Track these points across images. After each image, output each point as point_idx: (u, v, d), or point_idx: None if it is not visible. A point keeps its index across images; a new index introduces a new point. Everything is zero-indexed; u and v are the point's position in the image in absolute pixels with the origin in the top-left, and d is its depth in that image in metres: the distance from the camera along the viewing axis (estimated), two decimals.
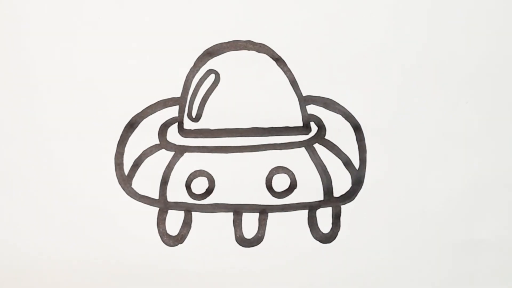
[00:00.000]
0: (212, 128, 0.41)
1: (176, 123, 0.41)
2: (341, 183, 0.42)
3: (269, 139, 0.41)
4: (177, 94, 0.41)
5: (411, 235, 0.42)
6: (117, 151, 0.41)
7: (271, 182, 0.41)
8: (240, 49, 0.41)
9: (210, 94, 0.41)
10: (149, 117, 0.41)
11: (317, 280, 0.41)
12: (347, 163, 0.42)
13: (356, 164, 0.42)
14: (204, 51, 0.41)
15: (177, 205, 0.41)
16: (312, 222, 0.41)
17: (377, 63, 0.41)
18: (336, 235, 0.41)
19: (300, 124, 0.41)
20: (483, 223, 0.42)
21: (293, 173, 0.41)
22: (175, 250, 0.41)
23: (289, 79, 0.41)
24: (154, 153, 0.41)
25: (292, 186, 0.41)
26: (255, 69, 0.41)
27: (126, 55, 0.41)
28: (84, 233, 0.41)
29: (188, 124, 0.41)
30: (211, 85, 0.41)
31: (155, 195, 0.41)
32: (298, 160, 0.41)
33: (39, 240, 0.41)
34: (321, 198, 0.41)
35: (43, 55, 0.41)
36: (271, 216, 0.41)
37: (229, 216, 0.41)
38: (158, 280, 0.41)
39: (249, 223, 0.41)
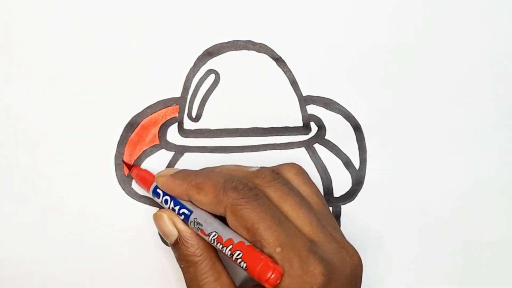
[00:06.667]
0: (212, 128, 0.41)
1: (176, 123, 0.41)
2: (341, 183, 0.42)
3: (269, 139, 0.41)
4: (177, 94, 0.41)
5: (411, 236, 0.42)
6: (117, 151, 0.41)
7: None
8: (240, 49, 0.41)
9: (210, 94, 0.41)
10: (149, 117, 0.41)
11: None
12: (347, 163, 0.42)
13: (356, 164, 0.42)
14: (204, 51, 0.41)
15: None
16: None
17: (377, 63, 0.41)
18: None
19: (300, 124, 0.41)
20: (484, 223, 0.42)
21: None
22: None
23: (289, 79, 0.41)
24: (154, 153, 0.41)
25: None
26: (255, 69, 0.41)
27: (126, 55, 0.41)
28: (83, 233, 0.41)
29: (188, 124, 0.41)
30: (211, 85, 0.41)
31: None
32: (298, 160, 0.41)
33: (37, 240, 0.41)
34: None
35: (42, 55, 0.41)
36: None
37: None
38: (158, 280, 0.41)
39: None
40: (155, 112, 0.41)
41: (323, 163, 0.41)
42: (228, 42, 0.41)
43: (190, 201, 0.37)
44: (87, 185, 0.41)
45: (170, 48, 0.41)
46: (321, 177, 0.41)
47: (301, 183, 0.37)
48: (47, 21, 0.41)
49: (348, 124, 0.41)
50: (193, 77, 0.41)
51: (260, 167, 0.37)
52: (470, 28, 0.42)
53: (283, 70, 0.41)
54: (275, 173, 0.36)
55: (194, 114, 0.41)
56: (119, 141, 0.41)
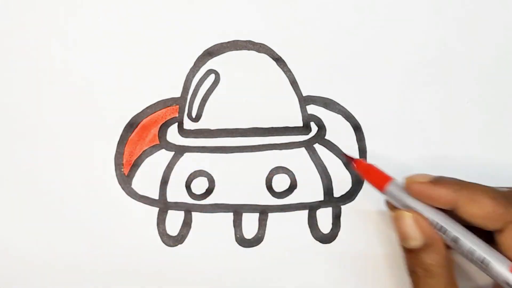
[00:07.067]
0: (212, 128, 0.41)
1: (176, 123, 0.41)
2: (341, 183, 0.41)
3: (269, 139, 0.41)
4: (177, 94, 0.41)
5: None
6: (117, 151, 0.41)
7: (271, 182, 0.41)
8: (240, 49, 0.41)
9: (210, 94, 0.41)
10: (149, 117, 0.41)
11: (317, 280, 0.41)
12: (347, 163, 0.42)
13: None
14: (204, 51, 0.41)
15: (177, 205, 0.41)
16: (312, 222, 0.41)
17: (377, 63, 0.41)
18: (336, 235, 0.41)
19: (300, 124, 0.41)
20: None
21: (293, 173, 0.41)
22: (175, 250, 0.41)
23: (289, 79, 0.41)
24: (154, 153, 0.41)
25: (292, 186, 0.41)
26: (255, 69, 0.41)
27: (126, 55, 0.41)
28: (84, 233, 0.41)
29: (188, 124, 0.41)
30: (211, 85, 0.41)
31: (155, 195, 0.41)
32: (298, 160, 0.41)
33: (38, 240, 0.41)
34: (321, 198, 0.41)
35: (42, 55, 0.41)
36: (271, 216, 0.41)
37: (229, 216, 0.41)
38: (158, 280, 0.41)
39: (249, 223, 0.41)
40: (155, 112, 0.41)
41: (323, 163, 0.41)
42: (228, 42, 0.41)
43: (448, 212, 0.34)
44: (87, 185, 0.41)
45: (170, 48, 0.41)
46: (321, 177, 0.41)
47: None
48: (48, 21, 0.41)
49: (348, 124, 0.41)
50: (193, 77, 0.41)
51: (509, 188, 0.36)
52: (470, 29, 0.42)
53: (283, 70, 0.41)
54: None
55: (194, 114, 0.41)
56: (119, 141, 0.41)
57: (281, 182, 0.41)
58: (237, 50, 0.41)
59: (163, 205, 0.41)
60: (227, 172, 0.41)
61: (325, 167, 0.42)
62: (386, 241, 0.42)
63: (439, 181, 0.35)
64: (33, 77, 0.41)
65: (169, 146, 0.41)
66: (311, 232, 0.41)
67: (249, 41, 0.41)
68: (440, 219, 0.34)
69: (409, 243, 0.34)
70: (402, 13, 0.42)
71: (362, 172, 0.38)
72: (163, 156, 0.41)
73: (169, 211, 0.41)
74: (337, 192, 0.42)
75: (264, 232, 0.41)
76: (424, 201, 0.35)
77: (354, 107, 0.41)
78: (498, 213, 0.33)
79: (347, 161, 0.40)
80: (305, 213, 0.41)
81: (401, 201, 0.36)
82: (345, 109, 0.41)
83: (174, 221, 0.41)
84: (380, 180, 0.37)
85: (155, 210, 0.41)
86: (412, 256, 0.34)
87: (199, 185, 0.41)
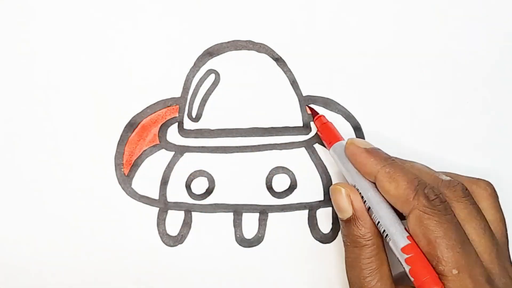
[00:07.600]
0: (212, 128, 0.41)
1: (176, 123, 0.41)
2: None
3: (269, 139, 0.41)
4: (177, 94, 0.41)
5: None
6: (117, 151, 0.41)
7: (271, 182, 0.41)
8: (240, 49, 0.41)
9: (210, 94, 0.41)
10: (149, 117, 0.41)
11: (317, 280, 0.41)
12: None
13: None
14: (204, 51, 0.41)
15: (177, 205, 0.41)
16: (312, 222, 0.41)
17: (377, 63, 0.41)
18: (336, 235, 0.41)
19: (300, 124, 0.41)
20: None
21: (293, 173, 0.41)
22: (175, 250, 0.41)
23: (289, 79, 0.41)
24: (154, 153, 0.41)
25: (292, 186, 0.41)
26: (255, 69, 0.41)
27: (126, 55, 0.41)
28: (84, 233, 0.41)
29: (188, 124, 0.41)
30: (211, 85, 0.41)
31: (155, 195, 0.41)
32: (298, 160, 0.41)
33: (38, 240, 0.41)
34: (321, 198, 0.41)
35: (42, 55, 0.41)
36: (271, 216, 0.41)
37: (229, 216, 0.41)
38: (158, 280, 0.41)
39: (249, 223, 0.41)
40: (155, 112, 0.41)
41: (323, 163, 0.41)
42: (228, 42, 0.41)
43: (372, 182, 0.36)
44: (87, 185, 0.41)
45: (170, 48, 0.41)
46: (321, 177, 0.41)
47: (490, 206, 0.36)
48: (49, 21, 0.41)
49: (348, 124, 0.41)
50: (193, 77, 0.41)
51: (451, 179, 0.36)
52: (470, 29, 0.42)
53: (283, 70, 0.41)
54: (467, 189, 0.35)
55: (194, 114, 0.41)
56: (119, 141, 0.41)
57: (281, 182, 0.41)
58: (237, 50, 0.41)
59: (163, 205, 0.41)
60: (227, 172, 0.41)
61: (325, 167, 0.42)
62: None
63: (371, 151, 0.36)
64: (33, 77, 0.41)
65: (169, 146, 0.41)
66: (311, 232, 0.41)
67: (249, 41, 0.41)
68: (362, 186, 0.36)
69: (342, 215, 0.36)
70: (402, 13, 0.42)
71: (318, 126, 0.40)
72: (163, 156, 0.41)
73: (169, 211, 0.41)
74: None
75: (264, 232, 0.41)
76: (355, 166, 0.37)
77: (354, 107, 0.41)
78: (408, 196, 0.34)
79: (312, 114, 0.41)
80: (305, 213, 0.41)
81: (340, 160, 0.38)
82: (345, 109, 0.41)
83: (174, 221, 0.41)
84: (331, 138, 0.39)
85: (155, 210, 0.41)
86: (344, 226, 0.36)
87: (199, 185, 0.41)
